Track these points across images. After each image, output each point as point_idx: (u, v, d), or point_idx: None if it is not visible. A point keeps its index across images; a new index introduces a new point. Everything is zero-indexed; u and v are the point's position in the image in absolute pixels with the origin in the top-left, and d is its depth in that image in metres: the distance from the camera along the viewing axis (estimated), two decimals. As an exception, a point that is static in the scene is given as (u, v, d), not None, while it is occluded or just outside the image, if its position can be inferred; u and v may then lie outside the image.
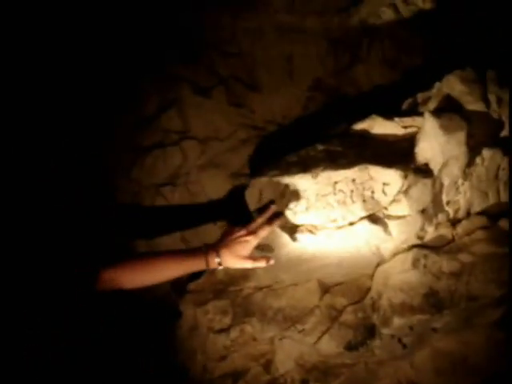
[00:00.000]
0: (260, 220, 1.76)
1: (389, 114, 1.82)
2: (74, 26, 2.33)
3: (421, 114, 1.74)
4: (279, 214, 1.78)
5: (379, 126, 1.81)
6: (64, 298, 1.50)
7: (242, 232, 1.73)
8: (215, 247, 1.72)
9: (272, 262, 1.75)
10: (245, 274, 1.99)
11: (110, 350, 2.11)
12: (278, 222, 1.77)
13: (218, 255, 1.70)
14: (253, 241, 1.71)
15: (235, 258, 1.71)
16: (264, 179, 1.81)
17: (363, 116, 1.87)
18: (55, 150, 2.27)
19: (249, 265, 1.74)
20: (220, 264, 1.71)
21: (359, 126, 1.85)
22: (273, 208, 1.79)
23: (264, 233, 1.74)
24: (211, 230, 2.30)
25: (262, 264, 1.74)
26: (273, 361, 1.93)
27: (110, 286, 1.66)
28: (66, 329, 1.53)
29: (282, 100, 2.43)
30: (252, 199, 1.82)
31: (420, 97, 1.89)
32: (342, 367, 1.85)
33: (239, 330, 1.93)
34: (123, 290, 1.69)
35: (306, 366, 1.89)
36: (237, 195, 2.11)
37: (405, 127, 1.78)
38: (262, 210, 1.81)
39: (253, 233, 1.72)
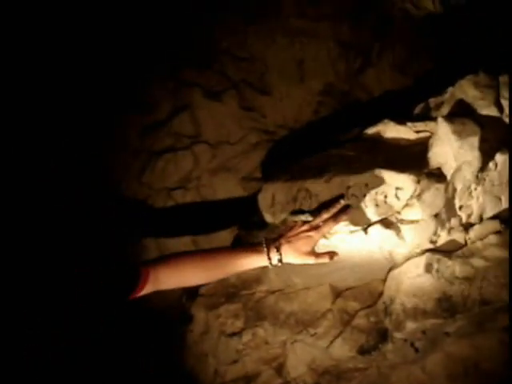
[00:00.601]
0: (325, 215, 1.65)
1: (401, 119, 1.83)
2: (83, 27, 2.34)
3: (433, 119, 1.74)
4: (347, 209, 1.66)
5: (392, 131, 1.82)
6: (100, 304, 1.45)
7: (305, 227, 1.63)
8: (276, 243, 1.61)
9: (336, 257, 1.66)
10: (257, 278, 2.00)
11: (120, 353, 2.12)
12: (344, 218, 1.65)
13: (279, 251, 1.60)
14: (316, 236, 1.62)
15: (297, 253, 1.61)
16: (277, 183, 1.81)
17: (375, 121, 1.88)
18: (56, 150, 2.28)
19: (311, 261, 1.63)
20: (280, 261, 1.61)
21: (371, 130, 1.86)
22: (341, 203, 1.66)
23: (328, 228, 1.64)
24: (223, 235, 2.32)
25: (325, 260, 1.64)
26: (285, 364, 1.93)
27: (155, 287, 1.55)
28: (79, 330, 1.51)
29: (293, 104, 2.45)
30: (265, 203, 1.82)
31: (432, 101, 1.89)
32: (355, 371, 1.85)
33: (251, 333, 1.94)
34: (169, 289, 1.59)
35: (318, 370, 1.89)
36: (249, 199, 2.12)
37: (417, 132, 1.79)
38: (329, 203, 1.69)
39: (316, 228, 1.62)
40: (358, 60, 2.49)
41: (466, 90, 1.78)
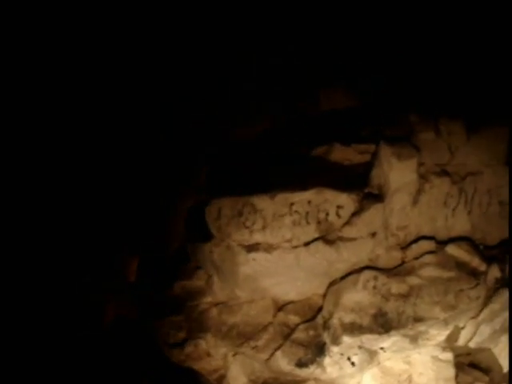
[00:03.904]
0: None
1: (347, 140, 1.89)
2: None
3: (376, 142, 1.81)
4: None
5: (337, 152, 1.88)
6: None
7: None
8: None
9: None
10: (201, 290, 2.02)
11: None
12: None
13: None
14: None
15: None
16: (223, 198, 1.84)
17: (323, 141, 1.94)
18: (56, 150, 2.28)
19: None
20: None
21: (318, 150, 1.92)
22: None
23: None
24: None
25: None
26: (226, 376, 1.95)
27: None
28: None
29: (247, 121, 2.47)
30: (211, 216, 1.85)
31: (376, 125, 1.96)
32: (293, 383, 1.89)
33: (193, 344, 1.95)
34: None
35: (257, 382, 1.92)
36: (197, 211, 2.14)
37: (361, 153, 1.85)
38: None
39: None
40: (313, 81, 2.53)
41: (408, 116, 1.87)
